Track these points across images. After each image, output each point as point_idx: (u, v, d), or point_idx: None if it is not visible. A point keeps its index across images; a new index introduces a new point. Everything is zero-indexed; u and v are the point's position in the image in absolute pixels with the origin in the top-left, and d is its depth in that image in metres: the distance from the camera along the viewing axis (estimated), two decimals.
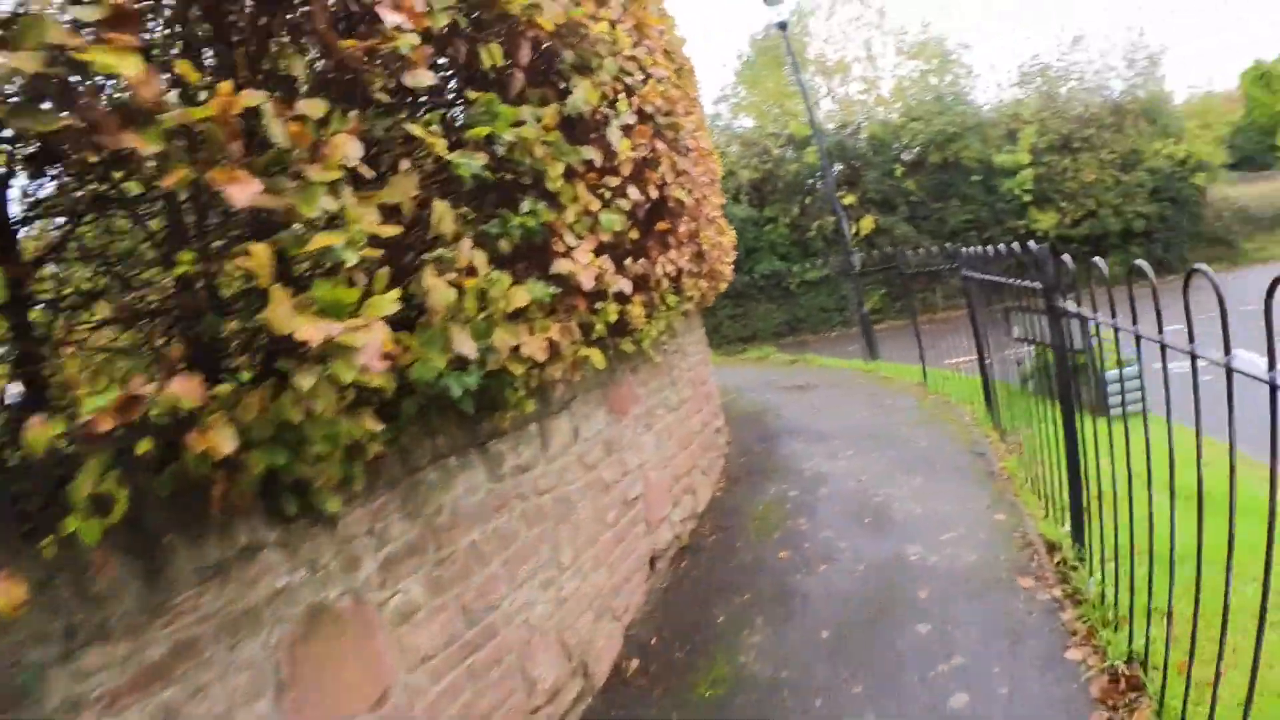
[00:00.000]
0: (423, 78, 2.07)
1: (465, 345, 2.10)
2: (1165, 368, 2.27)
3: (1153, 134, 23.29)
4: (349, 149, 1.67)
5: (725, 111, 24.24)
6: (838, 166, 22.49)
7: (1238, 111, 29.82)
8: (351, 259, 1.66)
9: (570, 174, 2.98)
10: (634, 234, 3.70)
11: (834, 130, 23.00)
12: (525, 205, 2.71)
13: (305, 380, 1.59)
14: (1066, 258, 3.25)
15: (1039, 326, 4.16)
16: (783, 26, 12.80)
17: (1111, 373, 7.39)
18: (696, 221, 5.15)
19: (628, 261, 3.73)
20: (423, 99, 2.58)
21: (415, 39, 1.94)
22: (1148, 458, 2.59)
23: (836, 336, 20.16)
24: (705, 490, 5.77)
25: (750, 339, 20.64)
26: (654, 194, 3.95)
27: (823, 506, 5.23)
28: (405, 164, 2.16)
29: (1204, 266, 1.95)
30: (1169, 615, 2.39)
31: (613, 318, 3.48)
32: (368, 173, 1.81)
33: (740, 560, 4.66)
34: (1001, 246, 4.79)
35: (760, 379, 10.19)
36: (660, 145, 4.08)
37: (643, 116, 3.82)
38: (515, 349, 2.49)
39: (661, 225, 4.19)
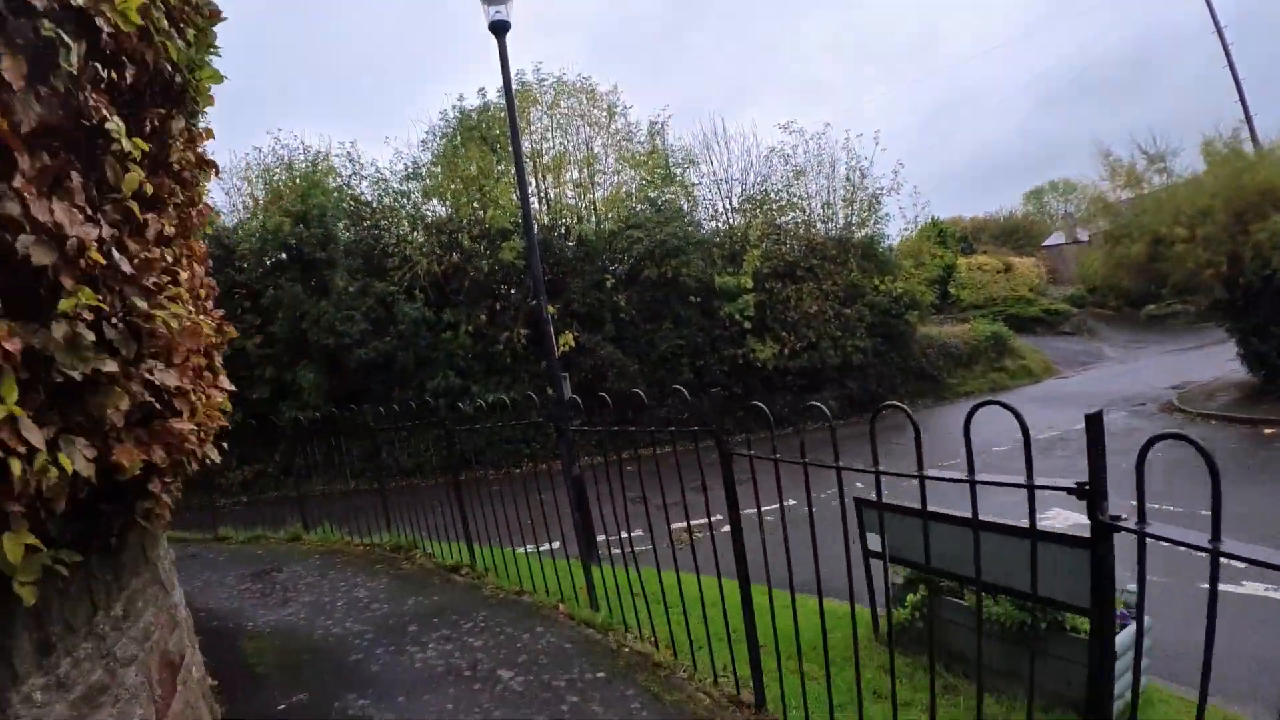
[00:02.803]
0: None
1: None
2: None
3: (871, 270, 22.56)
4: None
5: (416, 191, 20.37)
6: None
7: (948, 257, 31.06)
8: None
9: None
10: None
11: (541, 230, 19.90)
12: None
13: None
14: None
15: None
16: (501, 29, 9.01)
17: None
18: None
19: None
20: None
21: None
22: None
23: (523, 474, 16.49)
24: None
25: (415, 473, 16.40)
26: None
27: None
28: None
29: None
30: None
31: None
32: None
33: None
34: None
35: (392, 614, 5.76)
36: None
37: None
38: None
39: None
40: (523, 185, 10.08)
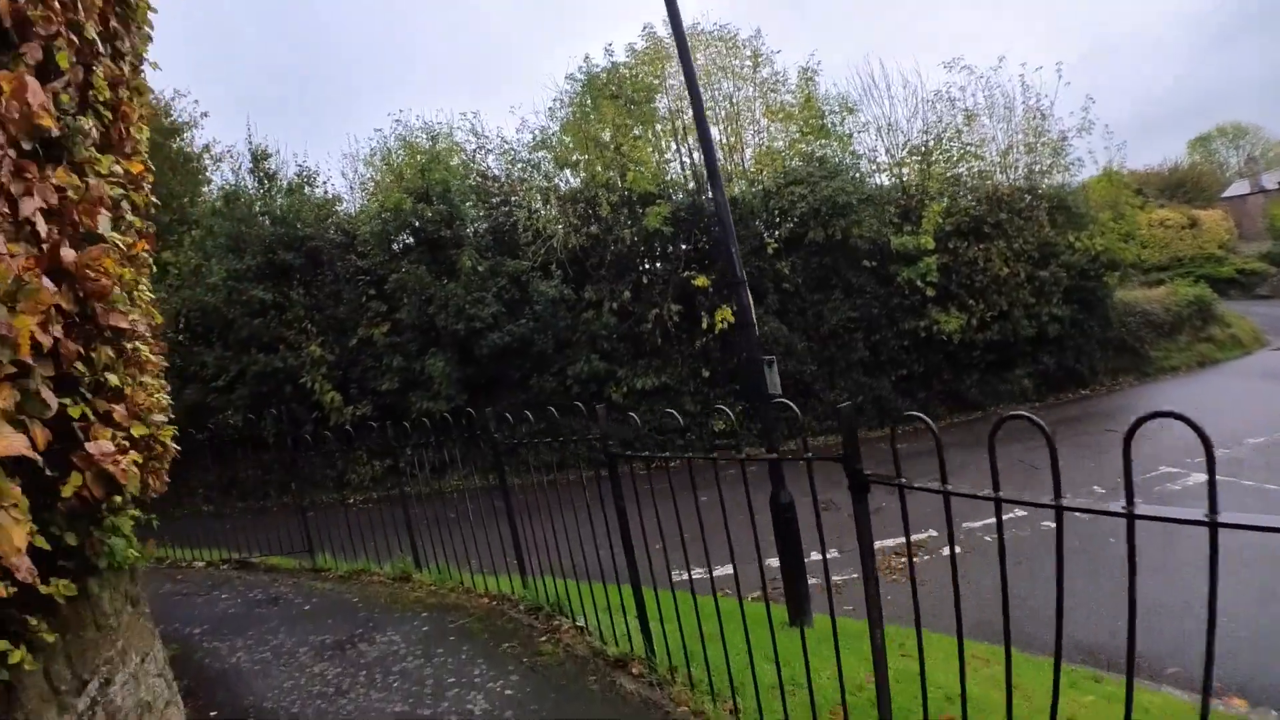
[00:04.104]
0: None
1: None
2: None
3: (1064, 224, 19.24)
4: None
5: (547, 161, 18.44)
6: (684, 245, 17.09)
7: (1150, 208, 27.16)
8: None
9: None
10: None
11: (686, 194, 17.69)
12: None
13: None
14: None
15: None
16: None
17: None
18: None
19: None
20: None
21: None
22: None
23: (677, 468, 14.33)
24: None
25: (561, 467, 14.49)
26: None
27: None
28: None
29: None
30: None
31: None
32: None
33: None
34: None
35: None
36: None
37: None
38: None
39: None
40: (701, 121, 7.74)
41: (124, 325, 2.35)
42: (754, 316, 7.17)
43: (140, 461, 2.33)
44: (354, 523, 8.27)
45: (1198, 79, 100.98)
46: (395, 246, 17.62)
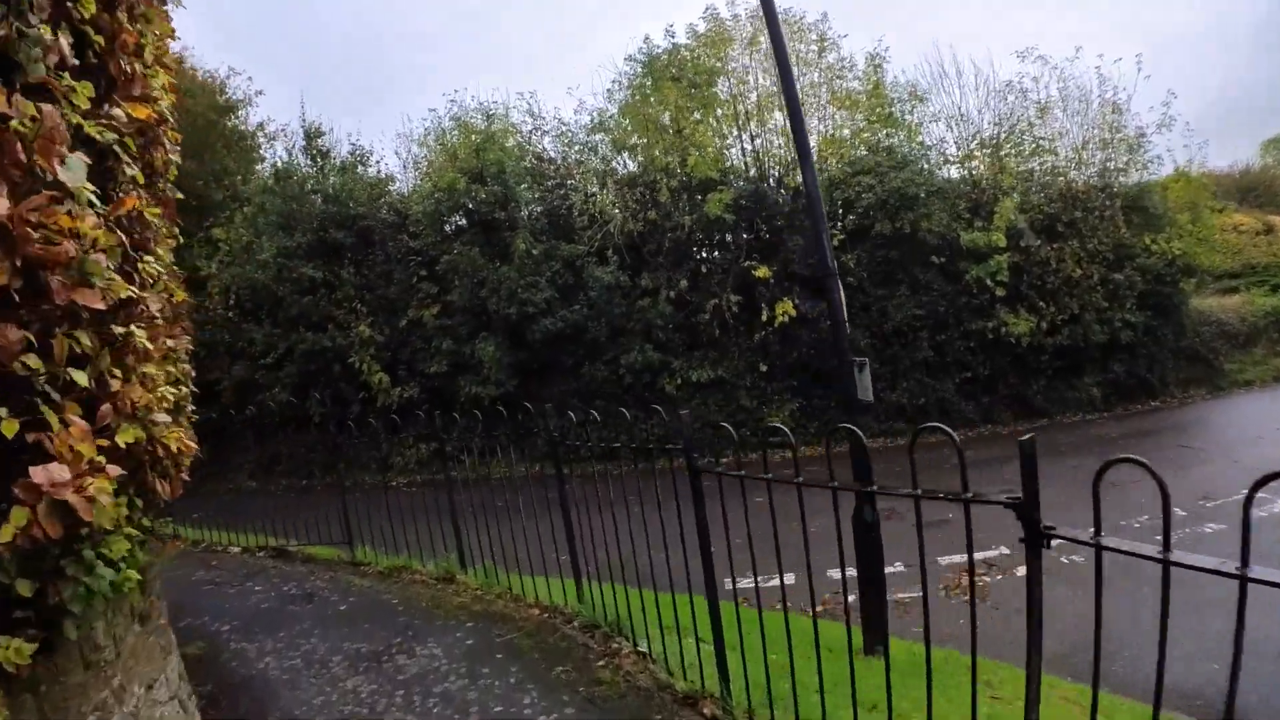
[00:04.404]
0: None
1: None
2: None
3: (1140, 226, 18.23)
4: None
5: (604, 144, 17.98)
6: (745, 235, 16.51)
7: (1230, 210, 25.81)
8: None
9: None
10: None
11: (748, 181, 17.08)
12: None
13: None
14: None
15: None
16: None
17: None
18: None
19: None
20: None
21: None
22: None
23: (730, 464, 13.77)
24: None
25: (610, 457, 14.03)
26: None
27: None
28: None
29: None
30: None
31: None
32: None
33: None
34: None
35: None
36: None
37: None
38: None
39: None
40: (793, 99, 7.11)
41: (98, 305, 1.85)
42: (845, 314, 6.58)
43: (113, 489, 1.82)
44: (396, 508, 7.78)
45: (1245, 83, 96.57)
46: (448, 227, 17.36)
